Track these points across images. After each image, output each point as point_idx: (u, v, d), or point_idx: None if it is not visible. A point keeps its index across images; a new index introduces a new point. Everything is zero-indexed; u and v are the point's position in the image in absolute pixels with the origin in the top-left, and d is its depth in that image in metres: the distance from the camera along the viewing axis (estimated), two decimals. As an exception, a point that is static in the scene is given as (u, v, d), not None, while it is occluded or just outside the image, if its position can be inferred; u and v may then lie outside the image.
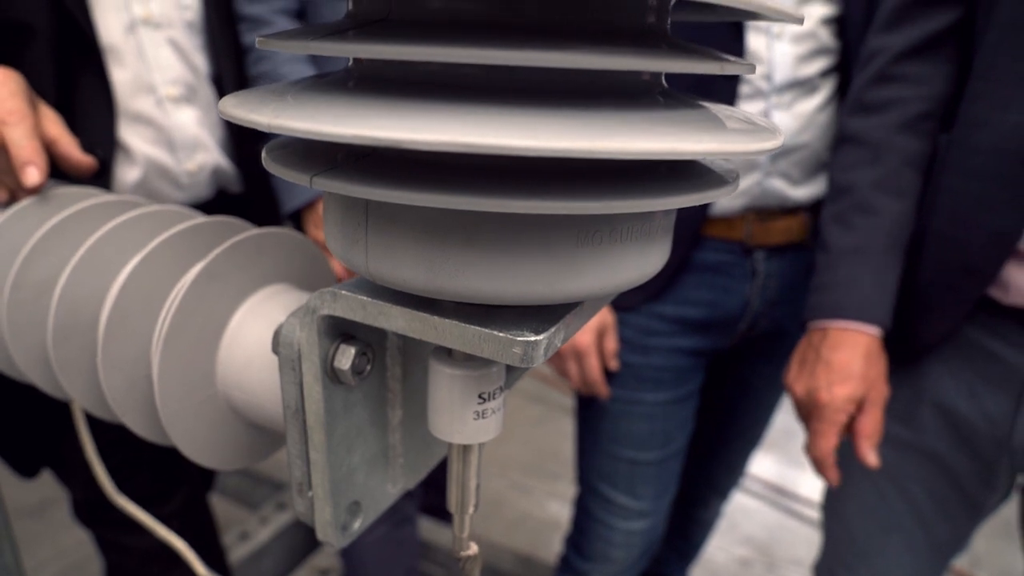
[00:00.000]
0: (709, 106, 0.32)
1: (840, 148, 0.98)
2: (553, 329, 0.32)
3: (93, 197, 0.59)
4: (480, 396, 0.38)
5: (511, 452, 2.58)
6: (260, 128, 0.26)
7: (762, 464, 2.62)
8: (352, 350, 0.39)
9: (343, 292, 0.36)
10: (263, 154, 0.32)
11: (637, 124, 0.26)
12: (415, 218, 0.29)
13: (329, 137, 0.24)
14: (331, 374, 0.39)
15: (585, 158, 0.25)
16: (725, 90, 1.02)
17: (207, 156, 0.97)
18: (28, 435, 0.97)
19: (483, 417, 0.39)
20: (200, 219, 0.51)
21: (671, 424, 1.16)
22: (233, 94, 0.31)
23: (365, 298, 0.35)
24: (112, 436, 0.79)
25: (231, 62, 1.02)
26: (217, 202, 1.02)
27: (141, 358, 0.49)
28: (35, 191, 0.59)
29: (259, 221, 1.03)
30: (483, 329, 0.32)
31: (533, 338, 0.31)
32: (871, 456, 0.83)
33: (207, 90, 0.98)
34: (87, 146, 0.87)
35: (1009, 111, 0.77)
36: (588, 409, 1.20)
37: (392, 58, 0.26)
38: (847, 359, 0.85)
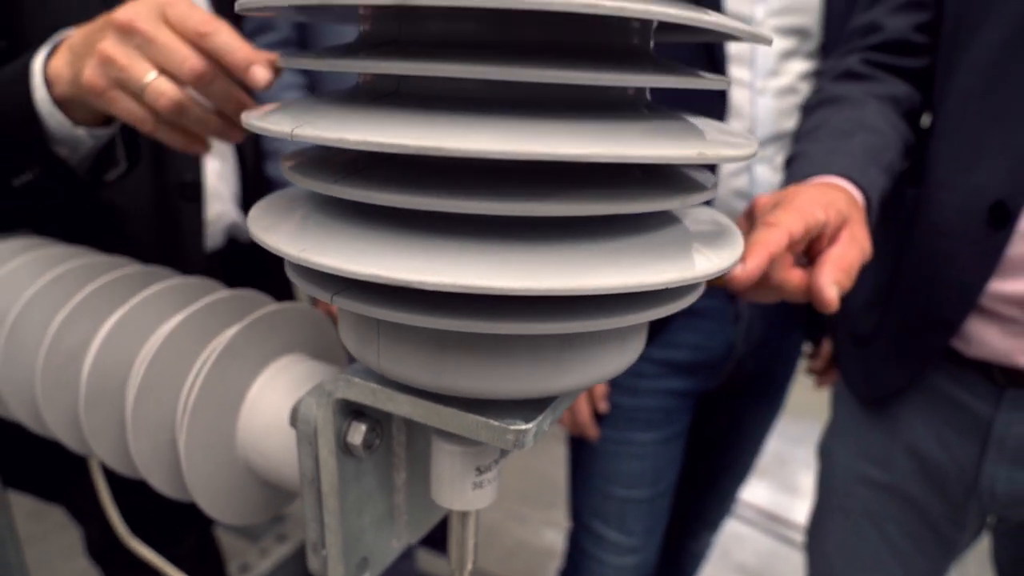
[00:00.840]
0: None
1: (807, 114, 0.97)
2: (540, 417, 0.37)
3: (121, 268, 0.63)
4: (477, 469, 0.43)
5: (507, 481, 2.62)
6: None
7: (755, 491, 2.66)
8: (363, 427, 0.43)
9: (356, 380, 0.40)
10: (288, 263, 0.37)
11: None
12: (422, 333, 0.34)
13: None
14: (344, 448, 0.44)
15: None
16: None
17: (223, 207, 1.02)
18: (43, 476, 1.01)
19: (480, 487, 0.43)
20: (220, 294, 0.56)
21: (661, 463, 1.21)
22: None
23: (375, 386, 0.40)
24: (127, 481, 0.83)
25: None
26: (228, 250, 1.06)
27: (166, 424, 0.54)
28: (267, 87, 0.56)
29: (266, 268, 1.09)
30: (480, 418, 0.37)
31: (524, 427, 0.36)
32: (828, 289, 0.63)
33: (225, 146, 1.03)
34: (177, 176, 0.93)
35: (971, 173, 0.82)
36: (580, 448, 1.24)
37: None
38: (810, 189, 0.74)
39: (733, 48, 1.08)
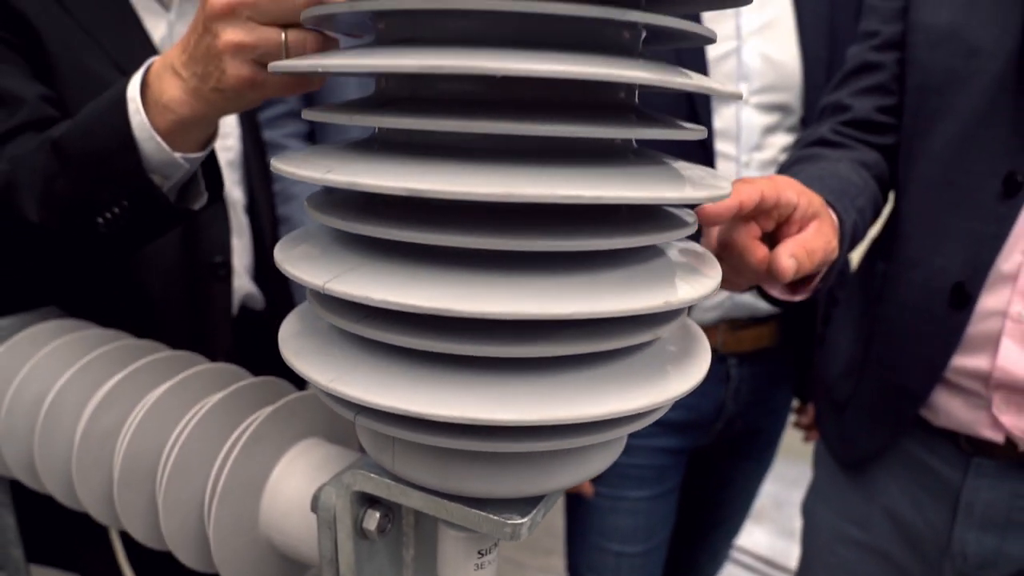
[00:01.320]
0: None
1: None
2: (534, 512, 0.43)
3: (152, 353, 0.69)
4: (479, 552, 0.48)
5: (506, 527, 2.64)
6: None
7: (752, 535, 2.69)
8: (377, 514, 0.48)
9: (372, 475, 0.46)
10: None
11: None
12: (432, 447, 0.39)
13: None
14: (360, 533, 0.49)
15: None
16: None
17: (239, 281, 1.08)
18: (62, 547, 1.05)
19: (482, 568, 0.48)
20: (245, 381, 0.62)
21: (654, 519, 1.25)
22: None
23: (390, 481, 0.45)
24: (144, 548, 0.87)
25: (264, 192, 1.14)
26: (242, 318, 1.12)
27: (195, 503, 0.59)
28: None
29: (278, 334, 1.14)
30: (481, 512, 0.42)
31: (519, 520, 0.42)
32: (784, 259, 0.63)
33: (242, 220, 1.09)
34: (207, 257, 0.98)
35: (934, 256, 0.88)
36: (576, 504, 1.29)
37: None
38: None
39: (719, 123, 1.14)
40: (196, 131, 0.65)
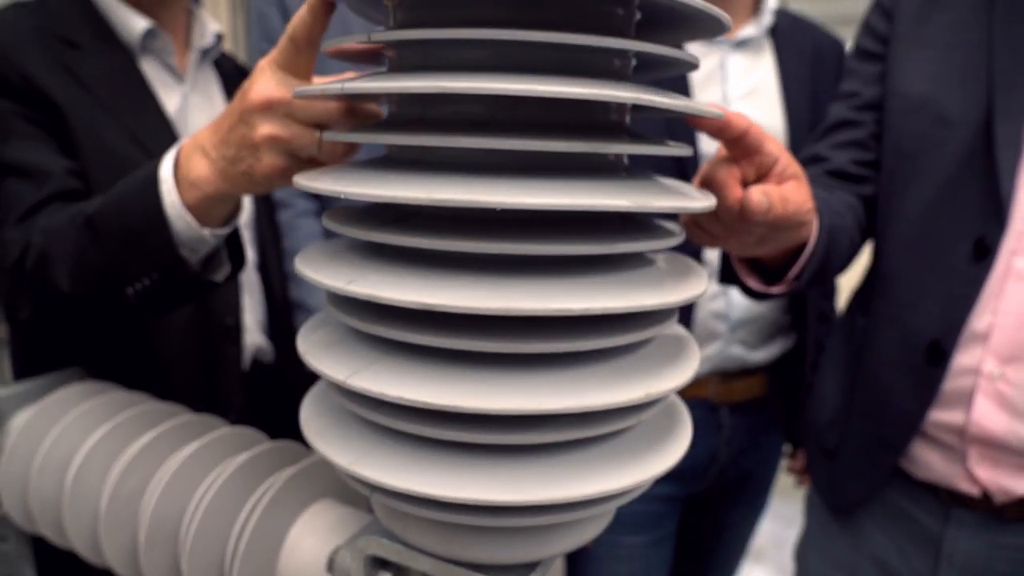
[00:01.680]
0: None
1: None
2: (534, 574, 0.47)
3: (175, 417, 0.74)
4: (482, 611, 0.52)
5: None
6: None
7: (752, 574, 2.70)
8: (388, 575, 0.53)
9: (384, 541, 0.50)
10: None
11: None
12: (439, 526, 0.44)
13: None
14: (372, 593, 0.53)
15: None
16: (691, 253, 1.19)
17: (250, 337, 1.13)
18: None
19: (484, 625, 0.53)
20: (263, 446, 0.66)
21: (650, 564, 1.29)
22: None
23: (400, 547, 0.49)
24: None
25: (274, 250, 1.19)
26: (253, 372, 1.16)
27: (216, 562, 0.63)
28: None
29: (289, 385, 1.19)
30: (484, 577, 0.47)
31: (519, 584, 0.46)
32: (756, 194, 0.62)
33: (254, 278, 1.15)
34: (220, 320, 1.02)
35: (911, 313, 0.93)
36: (575, 553, 1.33)
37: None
38: None
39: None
40: (221, 207, 0.70)
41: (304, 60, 0.58)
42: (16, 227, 0.81)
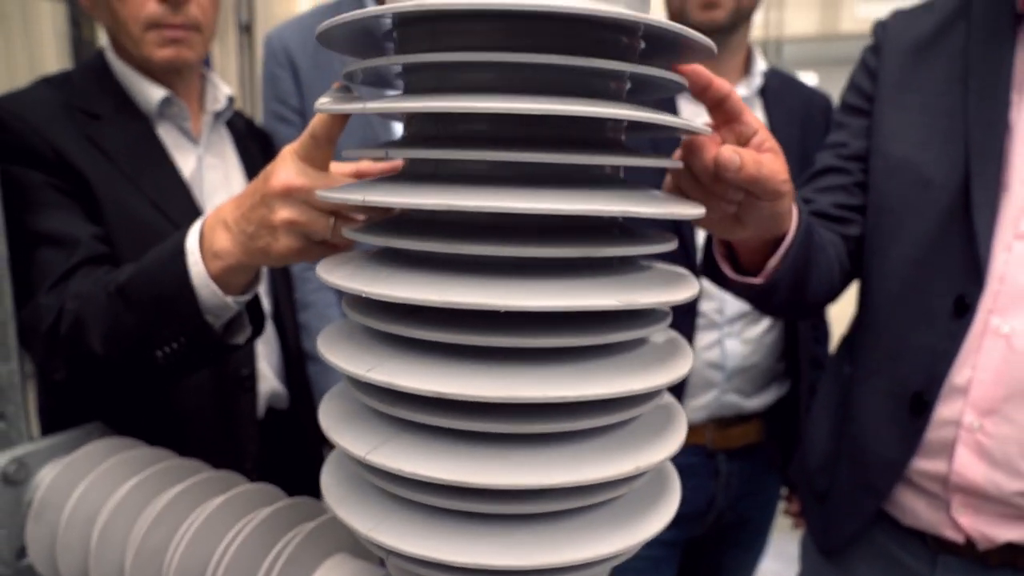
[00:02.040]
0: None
1: None
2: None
3: (196, 473, 0.78)
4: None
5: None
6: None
7: (755, 616, 2.71)
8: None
9: (397, 598, 0.54)
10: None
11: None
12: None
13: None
14: (385, 646, 0.57)
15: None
16: (685, 323, 1.24)
17: (266, 384, 1.17)
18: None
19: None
20: (281, 503, 0.70)
21: (651, 608, 1.32)
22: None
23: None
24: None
25: (287, 300, 1.24)
26: (268, 418, 1.21)
27: (237, 615, 0.67)
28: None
29: (303, 430, 1.23)
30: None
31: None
32: (727, 151, 0.62)
33: (268, 327, 1.20)
34: (235, 371, 1.07)
35: (897, 365, 0.98)
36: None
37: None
38: None
39: (701, 237, 1.25)
40: (241, 276, 0.75)
41: (322, 154, 0.63)
42: (50, 293, 0.87)
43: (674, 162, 0.49)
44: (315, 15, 1.51)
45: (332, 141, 0.62)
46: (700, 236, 1.25)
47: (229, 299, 0.75)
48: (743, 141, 0.68)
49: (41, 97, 1.02)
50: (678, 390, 1.23)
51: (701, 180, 0.67)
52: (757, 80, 1.32)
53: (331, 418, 0.50)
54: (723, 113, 0.66)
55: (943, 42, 1.00)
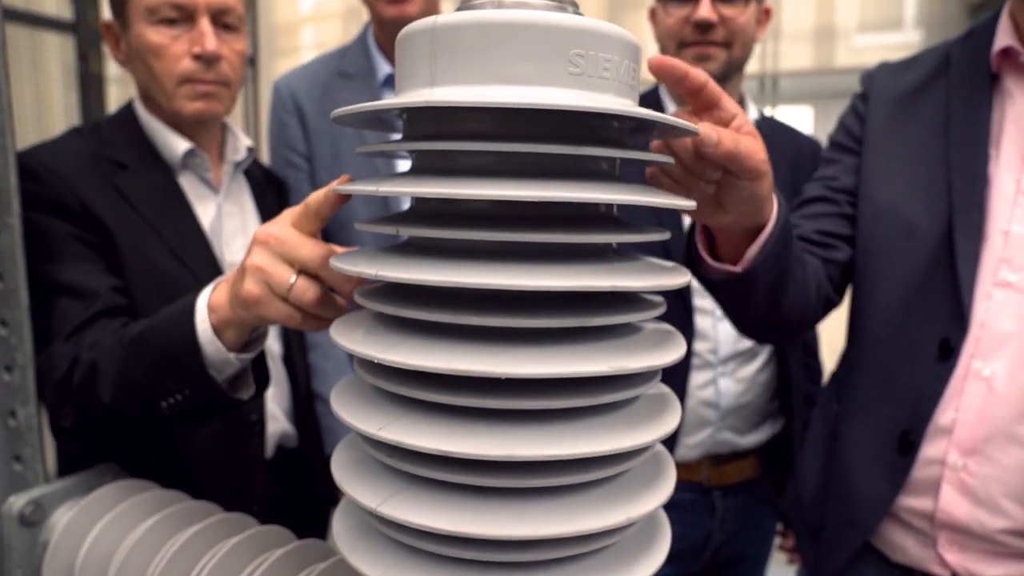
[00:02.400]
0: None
1: None
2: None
3: (209, 515, 0.81)
4: None
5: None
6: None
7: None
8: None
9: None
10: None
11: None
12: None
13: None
14: None
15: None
16: (680, 363, 1.27)
17: (276, 425, 1.21)
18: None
19: None
20: (291, 545, 0.73)
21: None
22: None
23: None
24: None
25: (298, 343, 1.28)
26: (277, 458, 1.24)
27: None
28: None
29: (311, 469, 1.26)
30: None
31: None
32: (705, 126, 0.66)
33: (279, 369, 1.23)
34: (245, 416, 1.10)
35: (884, 404, 1.01)
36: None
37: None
38: None
39: (695, 283, 1.29)
40: (232, 331, 0.78)
41: (311, 224, 0.67)
42: (66, 343, 0.91)
43: (662, 234, 0.52)
44: (321, 62, 1.56)
45: (324, 218, 0.67)
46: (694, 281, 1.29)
47: (232, 355, 0.79)
48: (723, 125, 0.70)
49: (71, 148, 1.07)
50: (674, 428, 1.26)
51: (681, 160, 0.70)
52: (748, 127, 1.36)
53: (343, 470, 0.54)
54: (702, 101, 0.69)
55: (926, 96, 1.05)
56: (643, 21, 3.24)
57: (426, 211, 0.52)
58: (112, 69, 3.76)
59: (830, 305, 1.10)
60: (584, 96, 0.45)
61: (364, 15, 1.56)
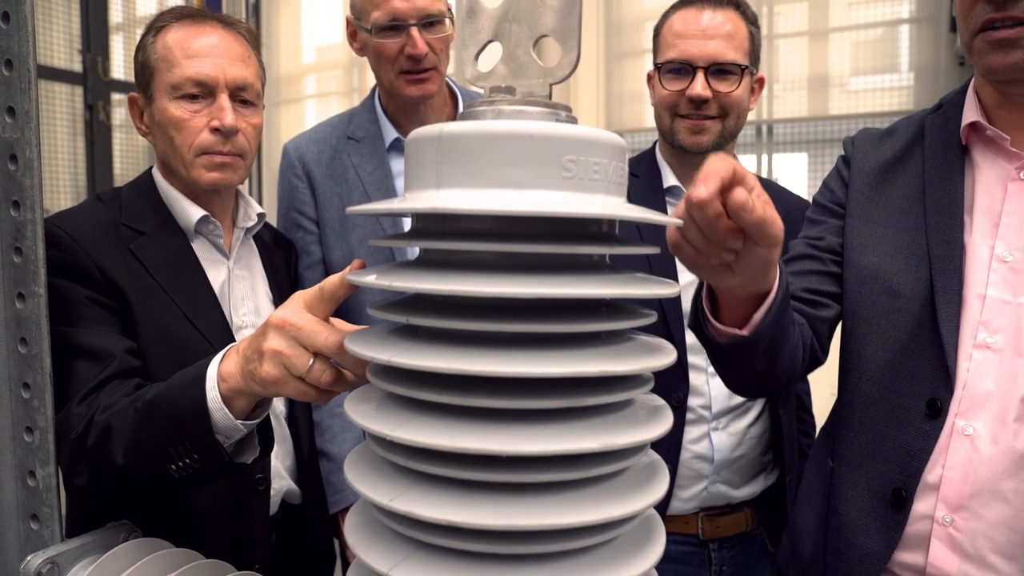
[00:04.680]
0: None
1: None
2: None
3: (223, 573, 0.84)
4: None
5: None
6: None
7: None
8: None
9: None
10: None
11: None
12: None
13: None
14: None
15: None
16: (675, 418, 1.30)
17: (281, 482, 1.24)
18: None
19: None
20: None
21: None
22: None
23: None
24: None
25: (303, 405, 1.32)
26: (282, 514, 1.27)
27: None
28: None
29: (314, 525, 1.29)
30: None
31: None
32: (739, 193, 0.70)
33: (283, 428, 1.27)
34: (251, 474, 1.14)
35: (876, 461, 1.05)
36: None
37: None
38: None
39: (689, 339, 1.33)
40: (242, 400, 0.83)
41: (324, 308, 0.73)
42: (81, 404, 0.96)
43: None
44: (329, 126, 1.62)
45: (336, 301, 0.72)
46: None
47: (239, 423, 0.84)
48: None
49: (91, 216, 1.13)
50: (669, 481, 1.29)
51: (704, 229, 0.74)
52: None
53: (356, 535, 0.57)
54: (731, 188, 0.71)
55: (904, 165, 1.10)
56: (638, 69, 3.34)
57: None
58: (117, 117, 3.86)
59: (815, 363, 1.15)
60: (576, 198, 0.50)
61: (366, 66, 1.63)
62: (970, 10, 0.97)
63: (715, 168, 0.70)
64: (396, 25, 1.44)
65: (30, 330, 0.91)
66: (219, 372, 0.82)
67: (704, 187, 0.68)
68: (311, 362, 0.72)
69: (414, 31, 1.43)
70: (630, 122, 3.38)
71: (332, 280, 0.71)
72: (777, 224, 0.75)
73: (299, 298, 0.74)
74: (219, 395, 0.82)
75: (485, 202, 0.47)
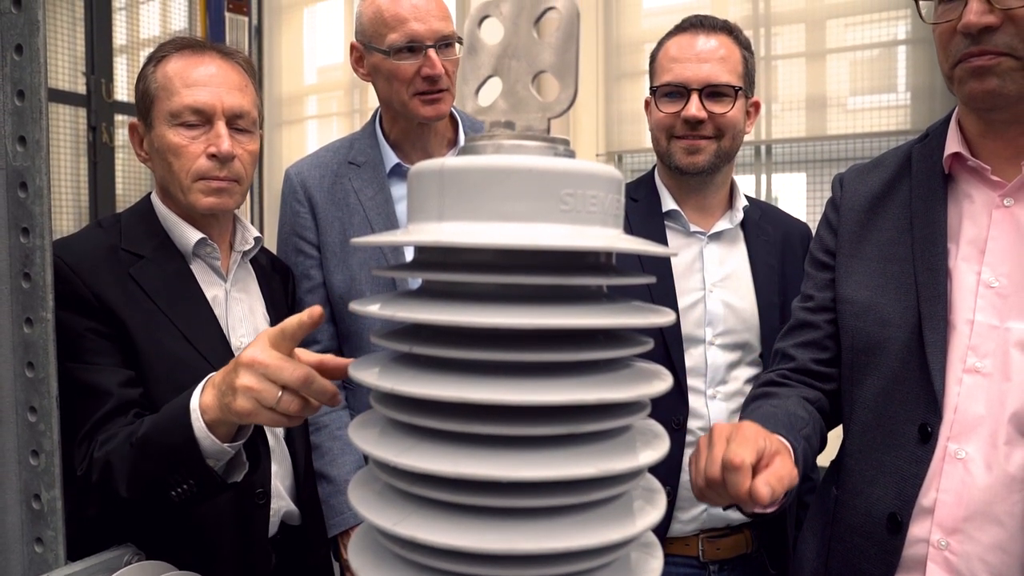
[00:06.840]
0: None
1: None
2: None
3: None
4: None
5: None
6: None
7: None
8: None
9: None
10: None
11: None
12: None
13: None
14: None
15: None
16: (674, 441, 1.32)
17: (280, 503, 1.26)
18: None
19: None
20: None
21: None
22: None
23: None
24: None
25: (299, 426, 1.34)
26: (281, 534, 1.29)
27: None
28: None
29: (313, 546, 1.30)
30: None
31: None
32: (762, 487, 0.86)
33: (283, 449, 1.29)
34: (251, 488, 1.18)
35: (873, 487, 1.06)
36: None
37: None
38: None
39: (689, 362, 1.35)
40: (223, 428, 0.90)
41: (287, 345, 0.80)
42: (81, 443, 1.01)
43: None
44: (330, 151, 1.65)
45: (296, 339, 0.80)
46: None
47: (226, 446, 0.90)
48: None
49: (91, 242, 1.15)
50: (669, 503, 1.30)
51: (736, 500, 0.89)
52: (739, 215, 1.44)
53: (360, 559, 0.59)
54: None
55: (892, 196, 1.13)
56: (638, 90, 3.36)
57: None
58: (120, 138, 3.90)
59: (833, 425, 1.23)
60: (574, 231, 0.52)
61: (367, 87, 1.66)
62: (948, 43, 1.00)
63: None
64: (413, 46, 1.48)
65: (37, 355, 0.93)
66: (200, 404, 0.89)
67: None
68: (280, 395, 0.79)
69: (431, 52, 1.47)
70: (629, 142, 3.41)
71: (291, 321, 0.78)
72: (793, 480, 0.92)
73: (264, 337, 0.80)
74: (204, 426, 0.89)
75: (486, 235, 0.49)
